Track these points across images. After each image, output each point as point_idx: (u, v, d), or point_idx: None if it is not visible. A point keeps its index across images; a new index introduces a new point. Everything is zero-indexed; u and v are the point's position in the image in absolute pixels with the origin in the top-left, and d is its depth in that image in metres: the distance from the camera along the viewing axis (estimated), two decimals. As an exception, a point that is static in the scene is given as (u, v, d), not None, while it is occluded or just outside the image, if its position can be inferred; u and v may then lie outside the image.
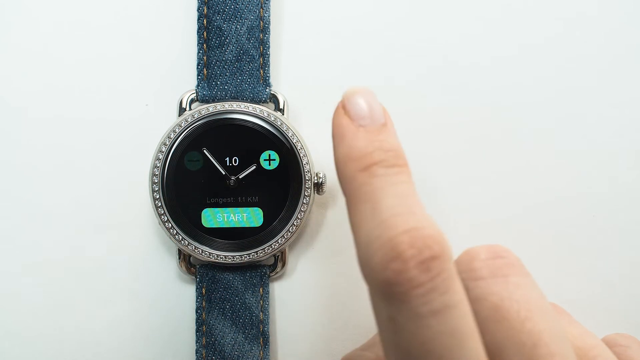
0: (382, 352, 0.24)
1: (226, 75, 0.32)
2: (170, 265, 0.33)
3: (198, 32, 0.32)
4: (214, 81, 0.32)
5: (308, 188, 0.31)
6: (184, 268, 0.32)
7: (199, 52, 0.32)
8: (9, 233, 0.33)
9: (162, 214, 0.31)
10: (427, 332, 0.20)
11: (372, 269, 0.21)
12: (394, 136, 0.24)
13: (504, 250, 0.24)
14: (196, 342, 0.32)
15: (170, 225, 0.31)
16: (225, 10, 0.32)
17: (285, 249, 0.32)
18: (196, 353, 0.32)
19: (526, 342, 0.21)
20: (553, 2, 0.34)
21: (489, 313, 0.22)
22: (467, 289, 0.23)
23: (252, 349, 0.32)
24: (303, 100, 0.33)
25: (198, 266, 0.32)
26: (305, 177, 0.31)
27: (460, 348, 0.20)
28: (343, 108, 0.25)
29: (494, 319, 0.22)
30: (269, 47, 0.32)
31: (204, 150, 0.31)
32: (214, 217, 0.31)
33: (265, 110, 0.32)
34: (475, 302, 0.22)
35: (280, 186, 0.31)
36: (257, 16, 0.32)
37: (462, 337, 0.20)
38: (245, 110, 0.31)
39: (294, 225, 0.31)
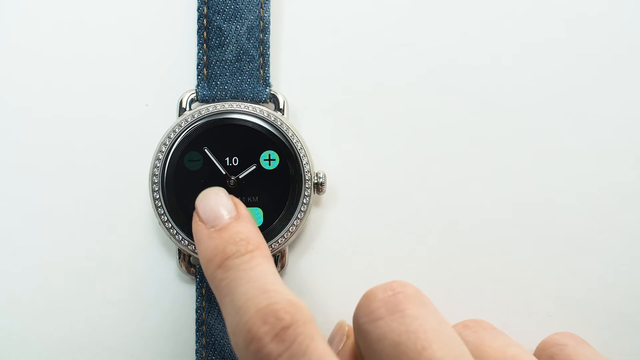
0: None
1: (226, 75, 0.32)
2: (170, 265, 0.33)
3: (198, 32, 0.32)
4: (214, 81, 0.32)
5: (308, 188, 0.31)
6: (184, 268, 0.32)
7: (199, 52, 0.32)
8: (9, 233, 0.33)
9: (162, 214, 0.31)
10: None
11: (240, 355, 0.23)
12: (246, 224, 0.27)
13: (400, 284, 0.25)
14: (196, 342, 0.32)
15: (170, 225, 0.31)
16: (225, 10, 0.32)
17: (285, 249, 0.32)
18: (196, 353, 0.32)
19: None
20: (553, 2, 0.34)
21: (389, 351, 0.23)
22: (368, 332, 0.24)
23: (252, 349, 0.32)
24: (303, 100, 0.33)
25: (198, 266, 0.32)
26: (305, 177, 0.31)
27: None
28: (197, 215, 0.27)
29: (395, 355, 0.23)
30: (269, 47, 0.32)
31: (204, 150, 0.31)
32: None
33: (265, 110, 0.32)
34: (376, 343, 0.23)
35: (280, 186, 0.31)
36: (257, 16, 0.32)
37: None
38: (245, 110, 0.31)
39: (294, 225, 0.31)
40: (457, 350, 0.23)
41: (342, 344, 0.29)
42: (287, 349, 0.22)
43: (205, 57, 0.32)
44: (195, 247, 0.31)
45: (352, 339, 0.28)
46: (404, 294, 0.24)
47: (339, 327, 0.30)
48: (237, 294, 0.24)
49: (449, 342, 0.23)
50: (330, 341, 0.30)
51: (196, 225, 0.27)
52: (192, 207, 0.31)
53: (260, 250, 0.26)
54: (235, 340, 0.23)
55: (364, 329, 0.24)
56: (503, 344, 0.27)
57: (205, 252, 0.26)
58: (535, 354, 0.31)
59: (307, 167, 0.31)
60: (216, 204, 0.27)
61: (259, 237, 0.27)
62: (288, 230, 0.31)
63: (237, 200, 0.28)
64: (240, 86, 0.32)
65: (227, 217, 0.27)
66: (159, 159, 0.31)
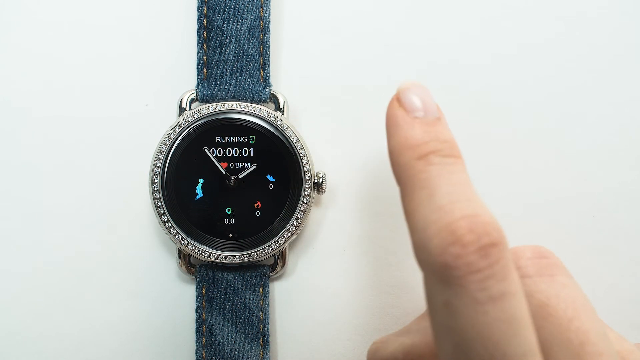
0: (426, 337, 0.25)
1: (226, 75, 0.32)
2: (170, 265, 0.33)
3: (198, 32, 0.32)
4: (214, 81, 0.32)
5: (308, 188, 0.31)
6: (184, 268, 0.32)
7: (199, 52, 0.32)
8: (9, 233, 0.33)
9: (162, 214, 0.31)
10: (484, 318, 0.20)
11: (430, 253, 0.21)
12: (448, 130, 0.24)
13: (548, 251, 0.24)
14: (196, 342, 0.32)
15: (170, 225, 0.31)
16: (225, 10, 0.32)
17: (285, 249, 0.32)
18: (196, 353, 0.32)
19: (574, 340, 0.21)
20: (553, 1, 0.34)
21: (536, 310, 0.22)
22: None
23: (252, 349, 0.32)
24: (303, 100, 0.33)
25: (198, 266, 0.32)
26: (305, 177, 0.31)
27: (516, 336, 0.20)
28: (397, 101, 0.25)
29: (541, 316, 0.22)
30: (269, 47, 0.32)
31: (204, 150, 0.31)
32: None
33: (265, 110, 0.32)
34: None
35: (281, 186, 0.31)
36: (257, 16, 0.32)
37: (518, 325, 0.20)
38: (245, 110, 0.31)
39: (294, 225, 0.31)
40: (601, 328, 0.22)
41: None
42: (489, 267, 0.20)
43: (205, 57, 0.32)
44: (195, 247, 0.31)
45: None
46: (552, 261, 0.24)
47: None
48: (439, 192, 0.22)
49: (594, 318, 0.22)
50: None
51: (395, 110, 0.25)
52: (192, 207, 0.31)
53: (462, 160, 0.24)
54: (429, 237, 0.21)
55: None
56: (617, 335, 0.26)
57: (406, 139, 0.24)
58: None
59: (307, 167, 0.31)
60: (425, 97, 0.25)
61: (459, 148, 0.24)
62: (288, 230, 0.31)
63: (438, 105, 0.26)
64: (240, 86, 0.32)
65: (435, 115, 0.24)
66: (159, 159, 0.31)
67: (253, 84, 0.32)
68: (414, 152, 0.23)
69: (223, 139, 0.31)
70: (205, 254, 0.31)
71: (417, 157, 0.23)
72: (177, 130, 0.31)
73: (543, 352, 0.21)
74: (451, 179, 0.22)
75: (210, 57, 0.32)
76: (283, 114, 0.32)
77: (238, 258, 0.31)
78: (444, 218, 0.21)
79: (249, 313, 0.32)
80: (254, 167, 0.31)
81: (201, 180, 0.31)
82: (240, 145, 0.31)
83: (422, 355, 0.25)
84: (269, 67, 0.32)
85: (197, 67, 0.32)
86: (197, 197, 0.31)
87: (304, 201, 0.31)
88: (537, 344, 0.20)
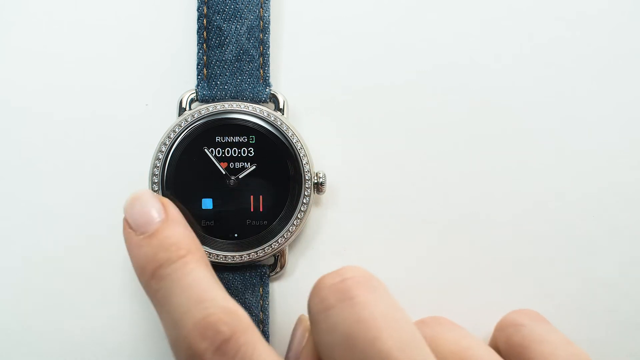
0: None
1: (226, 75, 0.32)
2: (170, 265, 0.33)
3: (198, 32, 0.32)
4: (214, 81, 0.32)
5: (308, 188, 0.31)
6: (184, 268, 0.32)
7: (199, 52, 0.32)
8: (9, 232, 0.33)
9: (162, 214, 0.31)
10: None
11: None
12: (175, 227, 0.25)
13: (349, 270, 0.24)
14: (196, 342, 0.32)
15: (170, 225, 0.31)
16: (225, 10, 0.32)
17: (285, 249, 0.32)
18: (196, 353, 0.32)
19: None
20: (553, 2, 0.34)
21: (341, 343, 0.22)
22: (319, 322, 0.23)
23: (252, 349, 0.32)
24: (303, 100, 0.33)
25: (198, 266, 0.32)
26: (305, 177, 0.31)
27: None
28: (125, 221, 0.26)
29: (347, 347, 0.22)
30: (268, 47, 0.32)
31: (204, 150, 0.31)
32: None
33: (265, 110, 0.32)
34: (328, 334, 0.22)
35: (280, 186, 0.31)
36: (257, 16, 0.32)
37: None
38: (245, 110, 0.31)
39: (294, 225, 0.31)
40: (409, 336, 0.22)
41: (304, 340, 0.27)
42: None
43: (205, 57, 0.32)
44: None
45: None
46: (354, 280, 0.23)
47: (299, 321, 0.29)
48: (173, 306, 0.23)
49: (400, 328, 0.22)
50: (292, 338, 0.28)
51: (125, 233, 0.26)
52: (192, 208, 0.31)
53: (192, 255, 0.24)
54: (178, 355, 0.22)
55: (315, 319, 0.23)
56: (458, 335, 0.26)
57: (137, 261, 0.25)
58: (494, 335, 0.30)
59: (307, 167, 0.31)
60: (144, 207, 0.26)
61: (190, 239, 0.25)
62: (288, 230, 0.31)
63: (166, 201, 0.27)
64: (240, 86, 0.32)
65: (157, 221, 0.25)
66: (159, 159, 0.31)
67: (253, 84, 0.32)
68: (146, 273, 0.24)
69: (223, 139, 0.31)
70: (205, 253, 0.31)
71: (149, 277, 0.24)
72: (177, 130, 0.31)
73: None
74: (182, 286, 0.23)
75: (210, 57, 0.32)
76: (283, 114, 0.32)
77: (238, 258, 0.31)
78: (180, 333, 0.22)
79: (248, 313, 0.32)
80: (254, 167, 0.31)
81: (201, 181, 0.31)
82: (240, 145, 0.31)
83: None
84: (269, 67, 0.32)
85: (197, 67, 0.32)
86: (197, 197, 0.31)
87: (304, 201, 0.31)
88: None
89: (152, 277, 0.24)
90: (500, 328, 0.30)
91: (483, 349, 0.26)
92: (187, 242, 0.25)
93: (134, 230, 0.26)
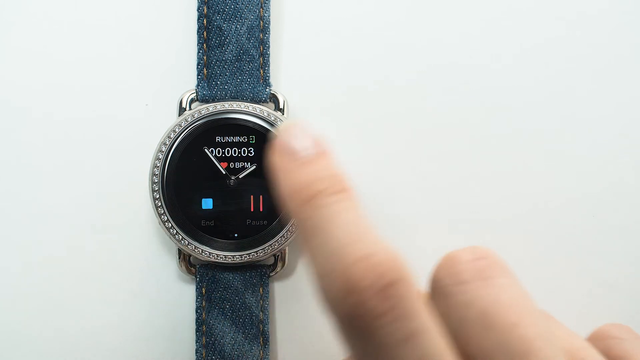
0: None
1: (226, 75, 0.32)
2: (170, 265, 0.33)
3: (198, 32, 0.32)
4: (214, 81, 0.32)
5: (308, 188, 0.31)
6: (184, 268, 0.32)
7: (199, 52, 0.32)
8: (9, 232, 0.33)
9: (162, 214, 0.31)
10: None
11: (330, 303, 0.20)
12: (333, 163, 0.24)
13: (486, 251, 0.23)
14: (196, 342, 0.32)
15: (170, 225, 0.31)
16: (225, 10, 0.32)
17: (285, 249, 0.32)
18: (196, 353, 0.32)
19: (517, 350, 0.21)
20: (553, 2, 0.34)
21: (476, 320, 0.21)
22: (452, 295, 0.22)
23: (252, 349, 0.32)
24: (303, 100, 0.33)
25: (198, 266, 0.32)
26: (305, 177, 0.31)
27: None
28: (278, 145, 0.24)
29: (482, 326, 0.21)
30: (269, 47, 0.32)
31: (204, 150, 0.31)
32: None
33: (265, 110, 0.32)
34: (461, 308, 0.22)
35: (280, 186, 0.31)
36: (257, 16, 0.32)
37: None
38: (245, 110, 0.31)
39: (294, 225, 0.31)
40: (546, 331, 0.22)
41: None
42: (392, 309, 0.19)
43: (205, 57, 0.32)
44: (195, 247, 0.31)
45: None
46: (491, 261, 0.23)
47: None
48: (330, 237, 0.21)
49: (538, 321, 0.22)
50: None
51: (275, 156, 0.24)
52: (192, 207, 0.31)
53: (352, 191, 0.23)
54: (328, 287, 0.21)
55: (447, 291, 0.22)
56: (568, 333, 0.25)
57: (290, 185, 0.23)
58: None
59: (307, 167, 0.31)
60: (304, 135, 0.24)
61: (348, 178, 0.23)
62: (288, 230, 0.31)
63: (323, 136, 0.25)
64: (240, 86, 0.32)
65: (317, 150, 0.24)
66: (159, 159, 0.31)
67: (253, 84, 0.32)
68: (298, 198, 0.23)
69: (223, 139, 0.31)
70: (205, 254, 0.31)
71: (302, 202, 0.23)
72: (177, 130, 0.31)
73: None
74: (341, 219, 0.22)
75: (210, 57, 0.32)
76: (283, 114, 0.32)
77: (238, 258, 0.31)
78: (337, 266, 0.20)
79: (248, 313, 0.32)
80: (254, 167, 0.31)
81: (201, 181, 0.31)
82: (240, 145, 0.31)
83: None
84: (269, 67, 0.32)
85: (197, 67, 0.32)
86: (197, 197, 0.31)
87: (304, 201, 0.31)
88: None
89: (307, 202, 0.22)
90: (597, 338, 0.29)
91: (594, 352, 0.25)
92: (346, 179, 0.23)
93: (288, 155, 0.24)
